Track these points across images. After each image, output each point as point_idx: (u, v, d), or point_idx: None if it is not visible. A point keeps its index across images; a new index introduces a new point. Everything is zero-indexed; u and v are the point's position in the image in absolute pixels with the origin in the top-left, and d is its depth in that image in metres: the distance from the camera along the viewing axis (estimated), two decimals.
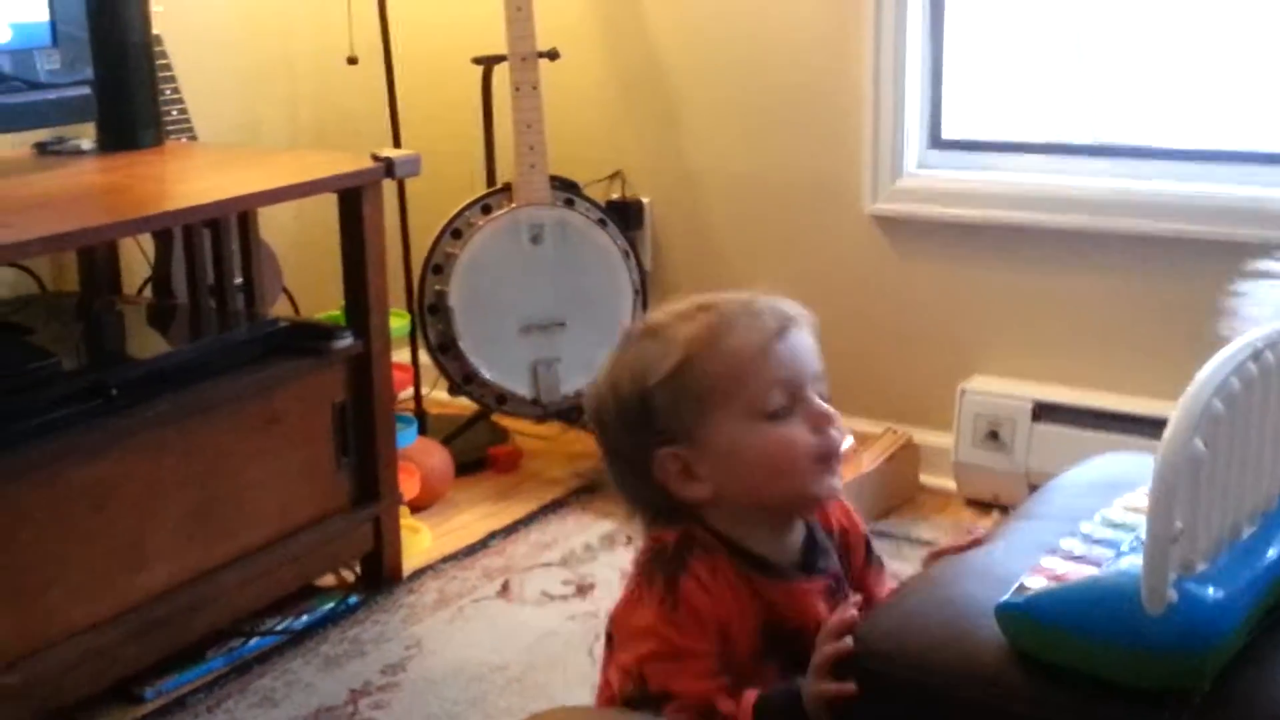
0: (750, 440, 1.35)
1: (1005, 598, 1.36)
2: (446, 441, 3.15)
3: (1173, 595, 1.26)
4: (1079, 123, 3.04)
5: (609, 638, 1.43)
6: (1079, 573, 1.37)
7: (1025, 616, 1.34)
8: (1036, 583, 1.37)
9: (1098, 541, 1.44)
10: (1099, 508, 1.54)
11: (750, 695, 1.35)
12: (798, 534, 1.45)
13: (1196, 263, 2.76)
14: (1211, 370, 1.31)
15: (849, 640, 1.36)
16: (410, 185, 3.14)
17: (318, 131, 3.44)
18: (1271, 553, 1.37)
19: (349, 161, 2.55)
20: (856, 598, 1.44)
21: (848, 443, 2.94)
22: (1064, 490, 1.73)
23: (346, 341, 2.50)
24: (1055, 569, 1.39)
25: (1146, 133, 2.94)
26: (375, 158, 2.52)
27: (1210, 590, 1.30)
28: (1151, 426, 2.65)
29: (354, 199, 2.51)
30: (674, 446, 1.36)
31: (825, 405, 1.38)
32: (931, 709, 1.35)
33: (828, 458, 1.38)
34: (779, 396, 1.35)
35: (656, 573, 1.36)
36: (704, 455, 1.36)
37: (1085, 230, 2.85)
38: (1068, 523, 1.54)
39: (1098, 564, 1.39)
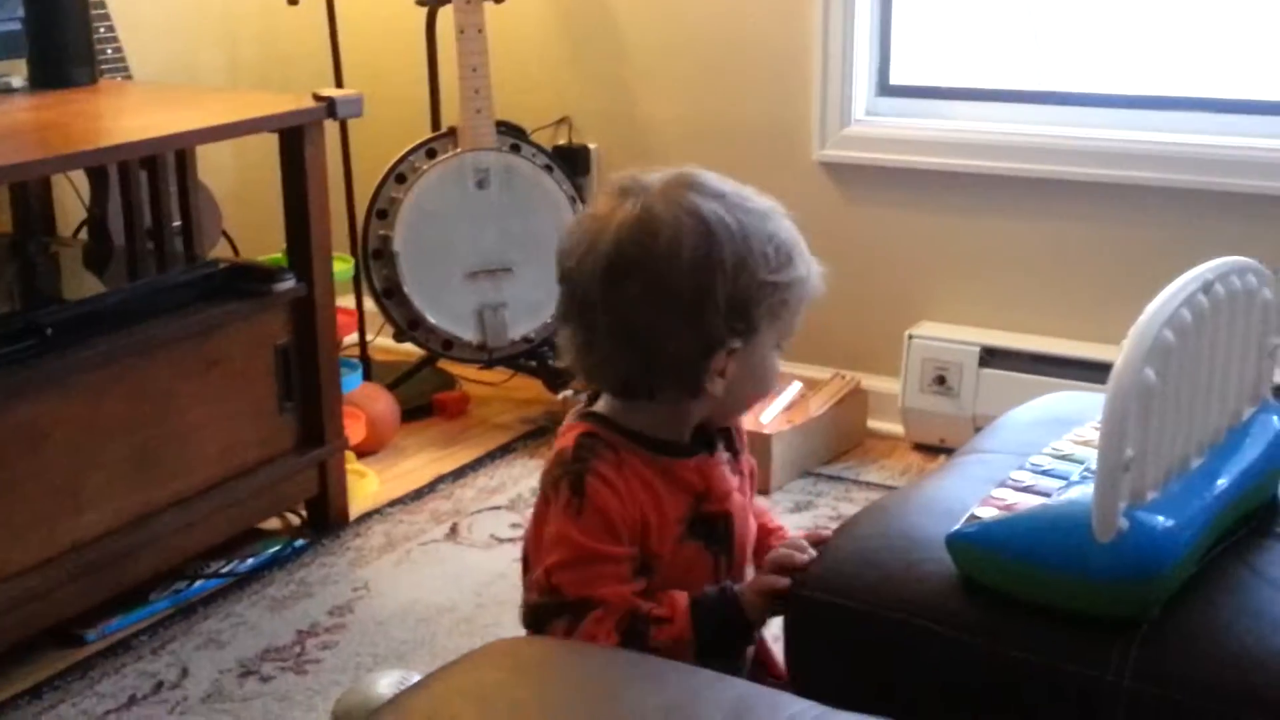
0: (768, 365, 1.37)
1: (956, 528, 1.37)
2: (392, 387, 3.12)
3: (1123, 524, 1.27)
4: (1027, 69, 3.03)
5: (524, 564, 1.40)
6: (1029, 502, 1.37)
7: (976, 545, 1.34)
8: (987, 513, 1.38)
9: (1047, 473, 1.45)
10: (1048, 441, 1.55)
11: (681, 595, 1.34)
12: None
13: (1144, 209, 2.77)
14: (1163, 301, 1.32)
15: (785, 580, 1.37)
16: (353, 129, 3.09)
17: (258, 73, 3.38)
18: (1220, 483, 1.38)
19: (290, 101, 2.50)
20: (811, 553, 1.42)
21: (796, 388, 2.96)
22: (1013, 426, 1.74)
23: (289, 284, 2.47)
24: (1005, 499, 1.39)
25: (1095, 79, 2.94)
26: (317, 97, 2.47)
27: (1160, 519, 1.30)
28: (1098, 371, 2.68)
29: (295, 139, 2.46)
30: (739, 340, 1.32)
31: None
32: (884, 640, 1.35)
33: None
34: None
35: (560, 479, 1.33)
36: (742, 360, 1.33)
37: (1033, 177, 2.85)
38: (1017, 456, 1.54)
39: (1047, 494, 1.39)
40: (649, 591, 1.35)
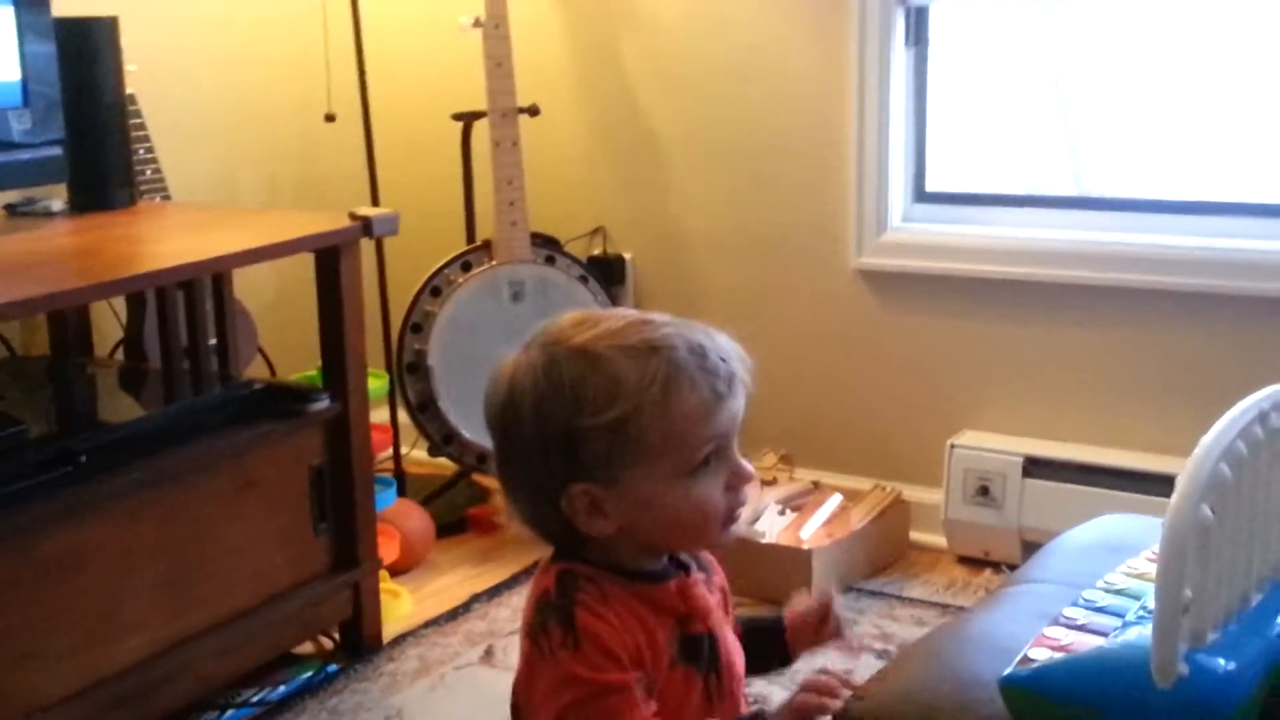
0: (669, 498, 1.29)
1: (1009, 670, 1.32)
2: (426, 503, 3.09)
3: (1183, 668, 1.22)
4: (1064, 175, 3.02)
5: (514, 711, 1.35)
6: (1084, 643, 1.33)
7: (1030, 690, 1.30)
8: (1041, 654, 1.33)
9: (1102, 609, 1.40)
10: (1101, 573, 1.50)
11: None
12: None
13: (1184, 315, 2.73)
14: (1217, 434, 1.28)
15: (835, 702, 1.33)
16: (389, 242, 3.10)
17: (295, 189, 3.41)
18: None
19: (326, 221, 2.51)
20: (845, 692, 1.38)
21: (835, 500, 2.91)
22: (1063, 554, 1.69)
23: (323, 404, 2.45)
24: (1060, 639, 1.35)
25: (1131, 185, 2.92)
26: (353, 216, 2.48)
27: (1221, 662, 1.26)
28: (1144, 481, 2.63)
29: (331, 259, 2.47)
30: (589, 484, 1.29)
31: (746, 465, 1.33)
32: None
33: (735, 517, 1.35)
34: (706, 452, 1.30)
35: (549, 619, 1.29)
36: (619, 498, 1.29)
37: (1072, 283, 2.82)
38: (1069, 589, 1.50)
39: (1103, 633, 1.34)
40: None
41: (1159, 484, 2.30)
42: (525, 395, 1.29)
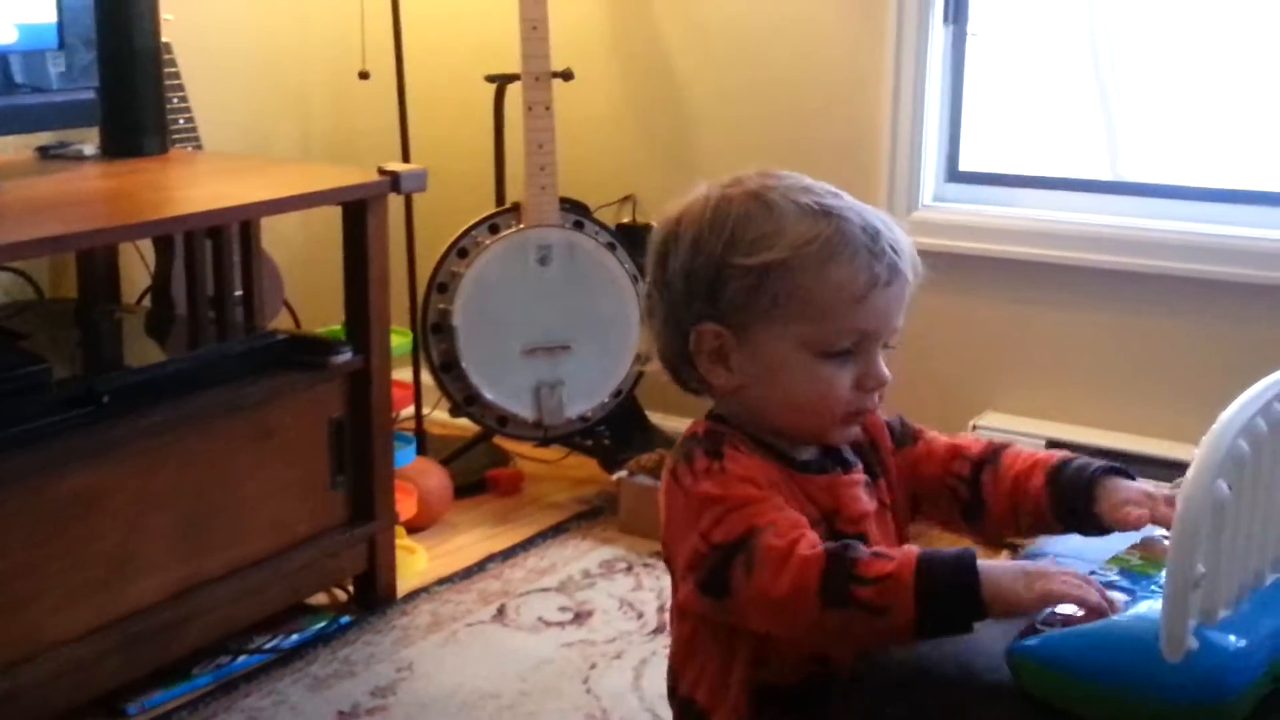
0: (795, 370, 1.26)
1: (1016, 640, 1.31)
2: (446, 462, 3.10)
3: (1193, 643, 1.21)
4: (1098, 159, 3.00)
5: (668, 565, 1.30)
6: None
7: (1036, 660, 1.29)
8: (1049, 624, 1.32)
9: (1112, 584, 1.39)
10: (1113, 550, 1.49)
11: (910, 547, 1.22)
12: None
13: (1214, 303, 2.71)
14: (1236, 409, 1.27)
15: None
16: (418, 202, 3.11)
17: (327, 145, 3.41)
18: None
19: (354, 174, 2.51)
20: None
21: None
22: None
23: (346, 356, 2.46)
24: (1068, 611, 1.34)
25: (1166, 171, 2.90)
26: (381, 171, 2.48)
27: (1231, 639, 1.24)
28: (1166, 468, 2.61)
29: (358, 212, 2.47)
30: (720, 326, 1.26)
31: (882, 370, 1.28)
32: None
33: (856, 417, 1.30)
34: (846, 342, 1.26)
35: (694, 449, 1.25)
36: (745, 351, 1.26)
37: (1103, 268, 2.81)
38: (1081, 563, 1.48)
39: None
40: None
41: (1182, 472, 2.28)
42: (690, 224, 1.29)
